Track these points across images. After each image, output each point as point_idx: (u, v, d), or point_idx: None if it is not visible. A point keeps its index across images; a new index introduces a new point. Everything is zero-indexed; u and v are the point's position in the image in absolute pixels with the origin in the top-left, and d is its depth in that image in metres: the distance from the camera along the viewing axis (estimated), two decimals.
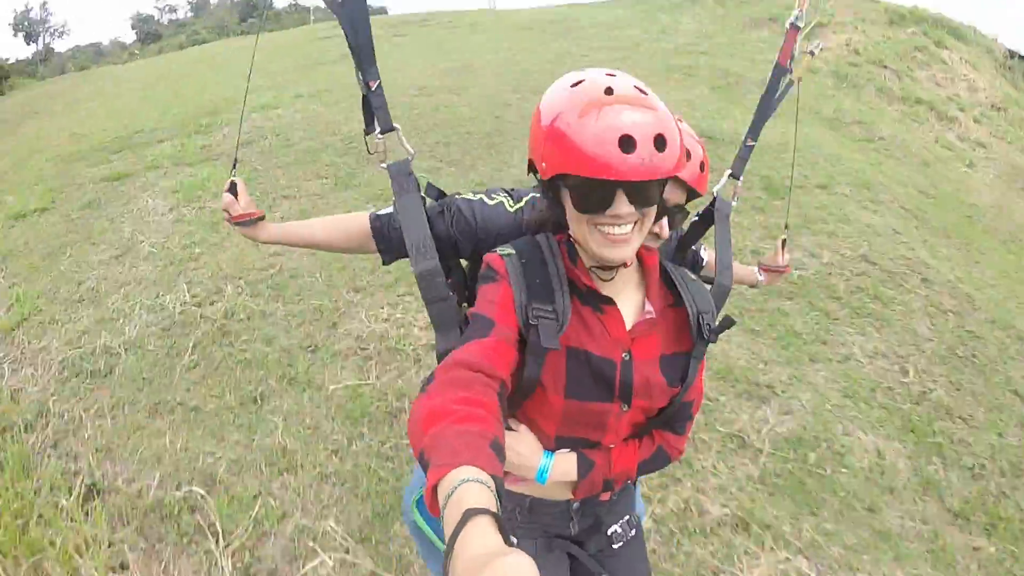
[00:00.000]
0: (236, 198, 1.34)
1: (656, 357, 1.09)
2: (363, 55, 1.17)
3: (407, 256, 1.25)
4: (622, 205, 0.93)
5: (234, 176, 1.37)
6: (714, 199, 1.38)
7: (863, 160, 6.85)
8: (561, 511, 1.21)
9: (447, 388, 0.83)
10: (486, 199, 1.27)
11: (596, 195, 0.93)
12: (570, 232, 1.04)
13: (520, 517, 1.20)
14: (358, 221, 1.32)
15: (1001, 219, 6.85)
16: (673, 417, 1.14)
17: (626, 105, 0.90)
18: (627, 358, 1.06)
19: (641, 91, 0.93)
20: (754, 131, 1.42)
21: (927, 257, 4.84)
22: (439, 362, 0.99)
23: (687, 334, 1.11)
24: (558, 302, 1.02)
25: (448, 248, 1.30)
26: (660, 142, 0.90)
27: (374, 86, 1.18)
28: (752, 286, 1.83)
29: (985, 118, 9.77)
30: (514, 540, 1.18)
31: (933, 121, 9.32)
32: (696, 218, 1.43)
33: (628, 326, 1.07)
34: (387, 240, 1.30)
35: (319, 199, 4.99)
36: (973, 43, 11.74)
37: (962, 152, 8.72)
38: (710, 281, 1.33)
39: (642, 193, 0.93)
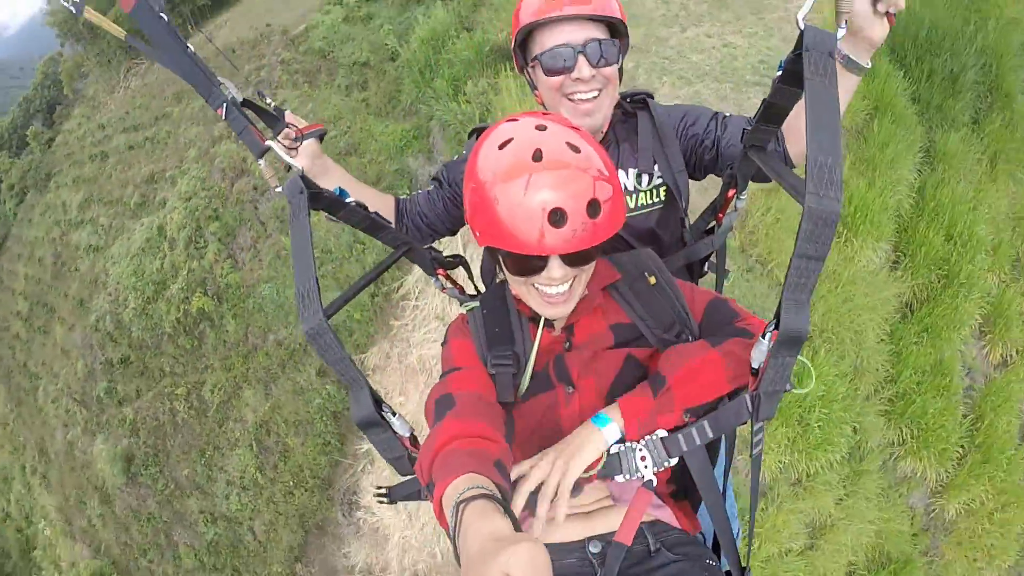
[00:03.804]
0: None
1: (604, 328, 1.03)
2: (198, 84, 1.02)
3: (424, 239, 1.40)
4: (556, 270, 0.89)
5: (268, 100, 1.26)
6: (800, 34, 0.77)
7: None
8: (577, 564, 0.90)
9: (449, 429, 0.85)
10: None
11: (530, 264, 0.90)
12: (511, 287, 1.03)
13: None
14: (389, 201, 1.41)
15: None
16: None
17: (555, 172, 0.82)
18: (567, 347, 1.03)
19: (573, 148, 0.85)
20: None
21: None
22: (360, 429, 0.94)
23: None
24: (518, 344, 1.01)
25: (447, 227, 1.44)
26: (593, 209, 0.83)
27: (222, 113, 1.00)
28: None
29: None
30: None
31: None
32: (779, 73, 0.89)
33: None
34: (405, 225, 1.44)
35: None
36: None
37: None
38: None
39: (578, 257, 0.89)
